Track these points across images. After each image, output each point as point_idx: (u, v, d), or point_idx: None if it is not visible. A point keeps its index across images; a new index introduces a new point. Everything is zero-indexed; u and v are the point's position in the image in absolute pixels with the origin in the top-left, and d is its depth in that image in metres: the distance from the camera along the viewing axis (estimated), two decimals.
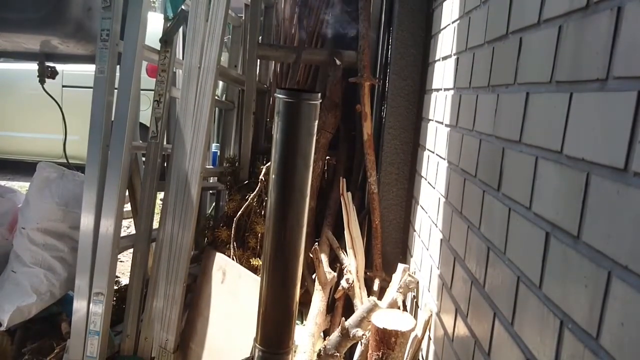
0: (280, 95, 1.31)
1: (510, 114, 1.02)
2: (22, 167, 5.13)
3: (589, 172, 0.70)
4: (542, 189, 0.85)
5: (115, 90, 2.09)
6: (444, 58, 1.70)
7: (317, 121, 1.35)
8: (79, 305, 2.02)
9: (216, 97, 2.33)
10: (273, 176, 1.35)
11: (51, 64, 2.75)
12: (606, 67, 0.68)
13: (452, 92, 1.55)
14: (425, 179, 1.86)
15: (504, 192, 1.03)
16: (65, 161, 2.90)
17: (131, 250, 2.20)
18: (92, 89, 2.04)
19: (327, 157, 2.60)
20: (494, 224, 1.07)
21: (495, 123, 1.12)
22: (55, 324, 2.29)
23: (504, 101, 1.07)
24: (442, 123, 1.67)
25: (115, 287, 2.27)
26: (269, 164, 2.12)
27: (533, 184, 0.88)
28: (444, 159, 1.58)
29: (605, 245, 0.64)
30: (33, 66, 2.75)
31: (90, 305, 2.00)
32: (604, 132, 0.67)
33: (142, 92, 2.17)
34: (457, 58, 1.51)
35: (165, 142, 2.26)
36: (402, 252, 2.18)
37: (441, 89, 1.71)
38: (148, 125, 2.20)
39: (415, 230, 2.00)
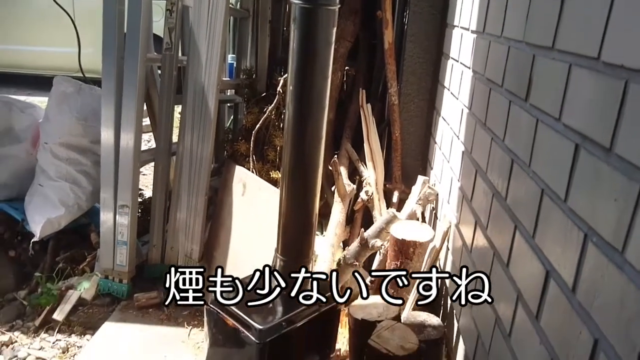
0: (296, 1, 1.24)
1: (544, 16, 0.94)
2: (41, 82, 5.11)
3: (627, 80, 0.65)
4: (574, 98, 0.80)
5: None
6: None
7: (335, 28, 1.28)
8: (105, 217, 2.08)
9: (230, 5, 2.23)
10: (290, 88, 1.31)
11: None
12: None
13: None
14: (449, 90, 1.80)
15: (532, 102, 0.98)
16: (82, 75, 2.87)
17: (153, 163, 2.23)
18: None
19: (346, 68, 2.52)
20: (520, 136, 1.03)
21: (527, 28, 1.04)
22: (85, 235, 2.38)
23: (537, 1, 1.00)
24: (467, 29, 1.58)
25: (140, 200, 2.33)
26: (286, 75, 2.07)
27: (564, 94, 0.83)
28: (469, 68, 1.52)
29: None
30: None
31: (117, 217, 2.06)
32: None
33: (154, 1, 2.08)
34: None
35: (180, 54, 2.20)
36: (422, 165, 2.17)
37: None
38: (162, 36, 2.13)
39: (436, 143, 1.96)
